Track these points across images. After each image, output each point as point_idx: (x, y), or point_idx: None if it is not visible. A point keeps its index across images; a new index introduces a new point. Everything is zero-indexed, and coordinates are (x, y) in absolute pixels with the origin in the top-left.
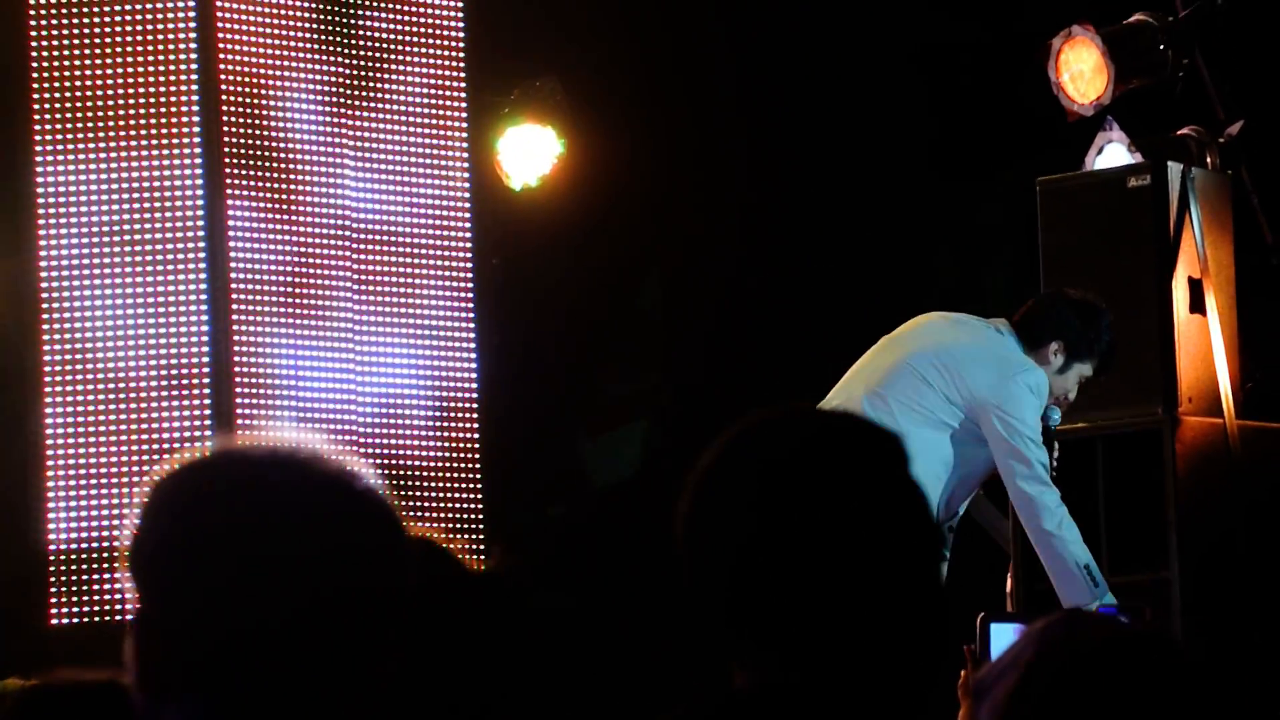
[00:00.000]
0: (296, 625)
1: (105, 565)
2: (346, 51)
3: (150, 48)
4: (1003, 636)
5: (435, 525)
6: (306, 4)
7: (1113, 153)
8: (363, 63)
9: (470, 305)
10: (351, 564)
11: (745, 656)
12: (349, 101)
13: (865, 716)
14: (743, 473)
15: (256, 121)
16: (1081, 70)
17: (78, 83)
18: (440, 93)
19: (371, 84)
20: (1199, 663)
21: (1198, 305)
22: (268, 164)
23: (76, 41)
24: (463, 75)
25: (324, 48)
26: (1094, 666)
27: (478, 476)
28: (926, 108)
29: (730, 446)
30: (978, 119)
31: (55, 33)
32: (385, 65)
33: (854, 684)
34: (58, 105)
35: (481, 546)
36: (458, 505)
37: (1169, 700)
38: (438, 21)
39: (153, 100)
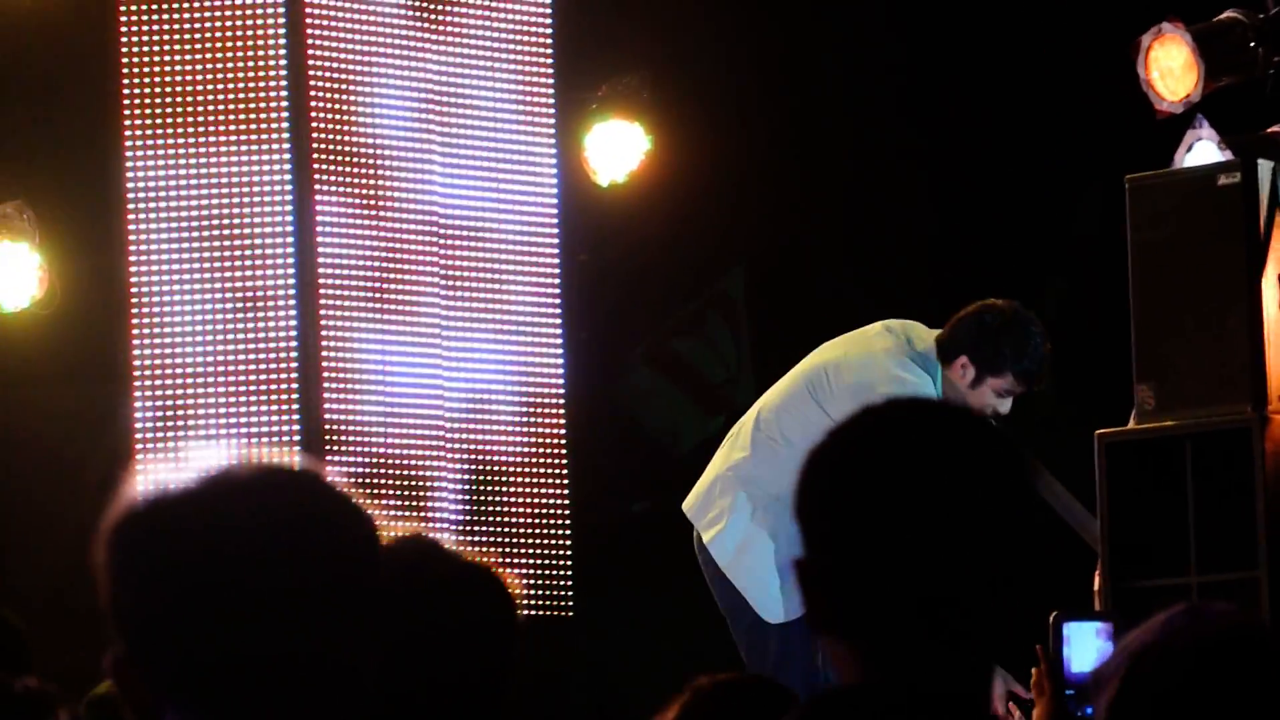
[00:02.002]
0: (274, 646)
1: None
2: (435, 48)
3: (239, 43)
4: (1081, 635)
5: (521, 520)
6: (396, 0)
7: (1202, 150)
8: (451, 59)
9: (557, 301)
10: (324, 577)
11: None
12: (437, 98)
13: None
14: (840, 460)
15: (345, 118)
16: (1171, 67)
17: (167, 79)
18: (528, 89)
19: (460, 80)
20: None
21: None
22: (356, 160)
23: (166, 37)
24: (551, 72)
25: (413, 44)
26: (1210, 659)
27: (564, 472)
28: (1014, 104)
29: (850, 435)
30: (1068, 117)
31: (145, 29)
32: (474, 61)
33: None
34: (148, 101)
35: (568, 544)
36: (544, 501)
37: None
38: (526, 18)
39: (242, 96)
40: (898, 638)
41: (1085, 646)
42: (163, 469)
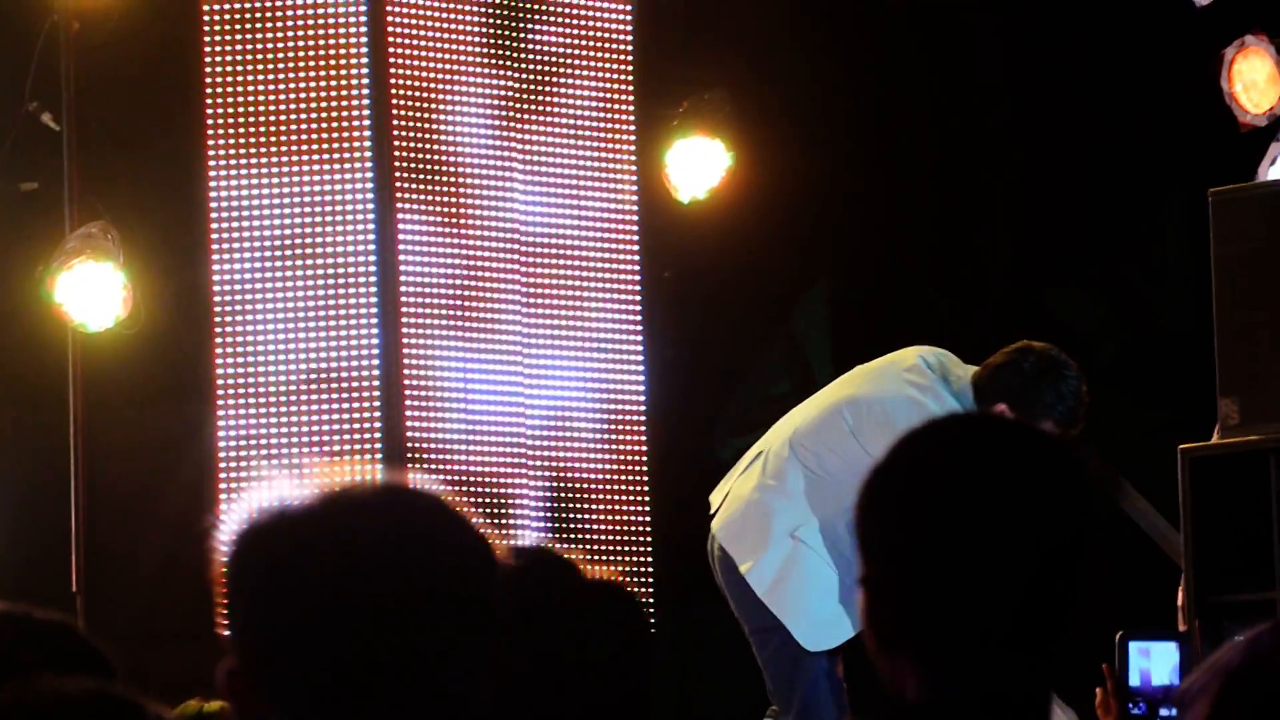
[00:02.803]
0: (393, 665)
1: None
2: (516, 64)
3: (322, 63)
4: (1148, 654)
5: (602, 537)
6: (477, 17)
7: None
8: (532, 75)
9: (639, 318)
10: (443, 597)
11: (929, 667)
12: (518, 114)
13: None
14: (909, 474)
15: (427, 135)
16: (1255, 80)
17: (250, 98)
18: (609, 105)
19: (541, 97)
20: None
21: None
22: (438, 177)
23: (249, 57)
24: (632, 88)
25: (494, 61)
26: None
27: (645, 489)
28: (1097, 118)
29: (904, 450)
30: (1151, 130)
31: (228, 48)
32: (555, 78)
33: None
34: (231, 120)
35: (649, 560)
36: (625, 518)
37: None
38: (607, 34)
39: (324, 114)
40: (965, 652)
41: (1155, 665)
42: (261, 488)
